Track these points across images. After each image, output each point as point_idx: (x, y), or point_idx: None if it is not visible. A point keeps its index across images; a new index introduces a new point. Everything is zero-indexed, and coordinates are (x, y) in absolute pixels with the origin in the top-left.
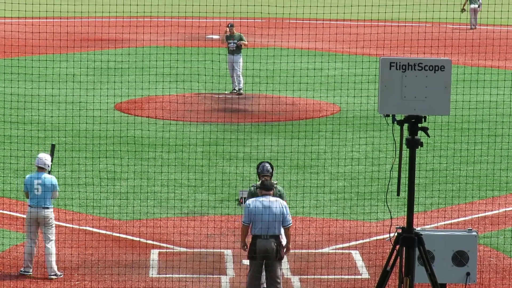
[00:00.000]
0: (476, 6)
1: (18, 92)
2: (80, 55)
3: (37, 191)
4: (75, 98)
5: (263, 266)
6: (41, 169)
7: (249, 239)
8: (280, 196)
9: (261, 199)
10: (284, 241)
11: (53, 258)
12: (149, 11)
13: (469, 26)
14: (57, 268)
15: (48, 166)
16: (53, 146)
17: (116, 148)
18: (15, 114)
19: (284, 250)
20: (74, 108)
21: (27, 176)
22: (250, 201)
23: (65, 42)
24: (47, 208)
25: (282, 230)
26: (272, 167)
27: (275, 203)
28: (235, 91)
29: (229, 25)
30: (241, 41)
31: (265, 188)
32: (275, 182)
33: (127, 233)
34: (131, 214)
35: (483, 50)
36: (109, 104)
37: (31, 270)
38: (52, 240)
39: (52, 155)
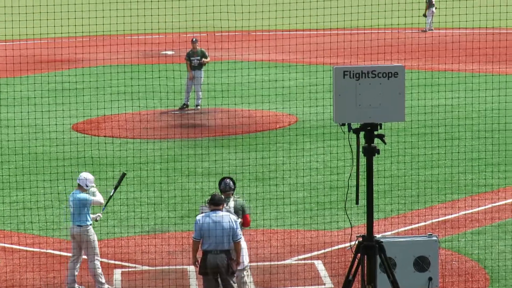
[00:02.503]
0: (434, 8)
1: None
2: (34, 77)
3: (71, 208)
4: (31, 121)
5: (219, 282)
6: (79, 186)
7: (200, 255)
8: (242, 209)
9: (211, 214)
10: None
11: (95, 278)
12: (101, 30)
13: (424, 30)
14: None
15: (87, 186)
16: (123, 174)
17: (74, 170)
18: None
19: (235, 264)
20: (30, 131)
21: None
22: (200, 217)
23: (18, 65)
24: (79, 226)
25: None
26: (234, 182)
27: (225, 218)
28: (186, 106)
29: (193, 40)
30: (204, 59)
31: (215, 203)
32: (237, 197)
33: None
34: None
35: (436, 54)
36: (65, 126)
37: (75, 286)
38: (92, 260)
39: (119, 183)
